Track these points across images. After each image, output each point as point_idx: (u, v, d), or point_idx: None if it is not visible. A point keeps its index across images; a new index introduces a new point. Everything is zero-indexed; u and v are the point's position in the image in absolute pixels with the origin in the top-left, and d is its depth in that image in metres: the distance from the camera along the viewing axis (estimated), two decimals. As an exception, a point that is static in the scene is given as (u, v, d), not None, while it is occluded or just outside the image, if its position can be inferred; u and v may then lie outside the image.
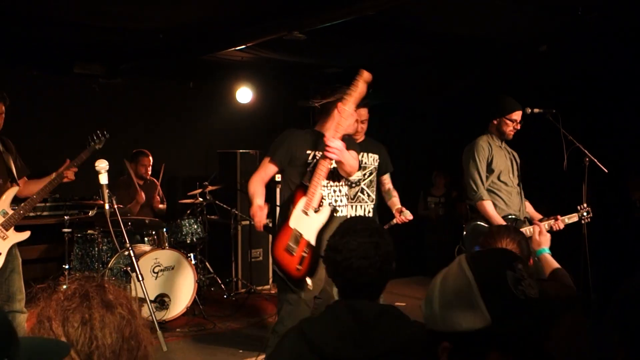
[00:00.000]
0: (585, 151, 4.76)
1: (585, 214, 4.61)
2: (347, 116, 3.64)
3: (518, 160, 4.74)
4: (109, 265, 5.45)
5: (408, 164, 8.49)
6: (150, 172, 6.61)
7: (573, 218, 4.57)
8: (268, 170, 3.88)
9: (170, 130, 7.78)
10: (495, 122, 4.61)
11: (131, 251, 3.42)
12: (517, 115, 4.58)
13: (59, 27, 5.41)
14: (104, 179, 3.43)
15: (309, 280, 3.55)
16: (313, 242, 3.61)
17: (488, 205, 4.44)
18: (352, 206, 4.60)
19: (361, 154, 4.53)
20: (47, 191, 4.10)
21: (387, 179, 5.00)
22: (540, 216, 4.67)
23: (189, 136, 7.83)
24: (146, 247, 5.71)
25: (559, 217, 4.47)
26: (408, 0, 4.28)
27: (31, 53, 6.61)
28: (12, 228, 3.92)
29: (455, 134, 7.89)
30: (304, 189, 3.67)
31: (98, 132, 4.18)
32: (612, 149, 5.69)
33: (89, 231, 5.85)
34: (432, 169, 7.93)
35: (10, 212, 3.93)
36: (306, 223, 3.62)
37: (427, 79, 7.42)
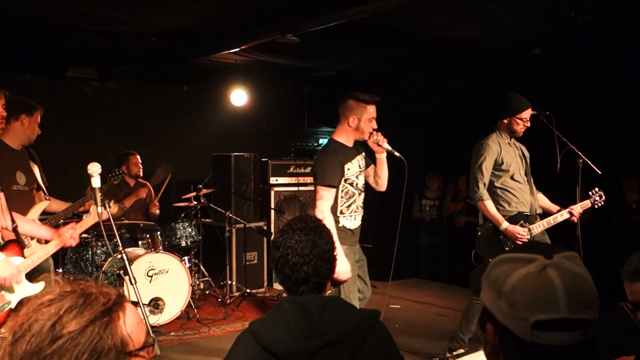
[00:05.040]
0: (579, 153, 4.76)
1: (597, 198, 4.67)
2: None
3: (527, 154, 4.75)
4: (103, 269, 5.43)
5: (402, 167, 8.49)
6: (142, 172, 6.57)
7: (585, 205, 4.63)
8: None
9: (164, 134, 7.76)
10: (505, 121, 4.58)
11: (124, 255, 3.40)
12: (527, 113, 4.57)
13: (52, 31, 5.39)
14: (96, 182, 3.38)
15: None
16: None
17: (489, 205, 4.47)
18: (360, 214, 4.29)
19: (362, 155, 4.32)
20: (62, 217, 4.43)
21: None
22: (557, 207, 4.68)
23: (183, 139, 7.80)
24: (140, 251, 5.69)
25: (572, 207, 4.55)
26: (401, 3, 4.28)
27: (25, 58, 6.59)
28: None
29: (449, 136, 7.92)
30: None
31: (116, 170, 4.72)
32: (606, 150, 5.71)
33: (82, 235, 5.82)
34: (426, 172, 7.93)
35: (38, 223, 3.95)
36: None
37: (421, 81, 7.43)
